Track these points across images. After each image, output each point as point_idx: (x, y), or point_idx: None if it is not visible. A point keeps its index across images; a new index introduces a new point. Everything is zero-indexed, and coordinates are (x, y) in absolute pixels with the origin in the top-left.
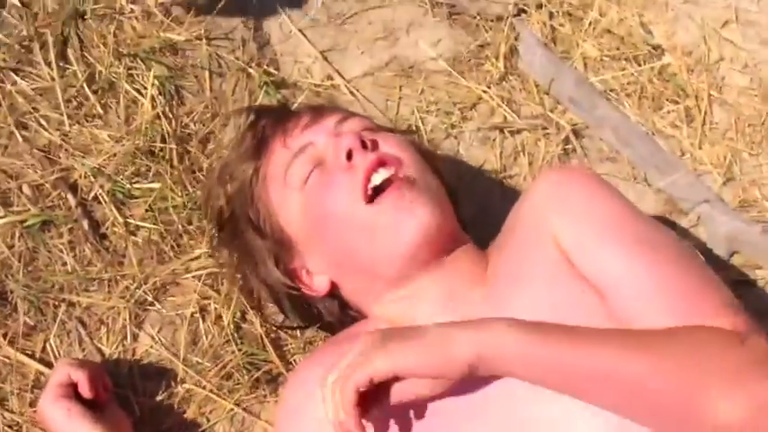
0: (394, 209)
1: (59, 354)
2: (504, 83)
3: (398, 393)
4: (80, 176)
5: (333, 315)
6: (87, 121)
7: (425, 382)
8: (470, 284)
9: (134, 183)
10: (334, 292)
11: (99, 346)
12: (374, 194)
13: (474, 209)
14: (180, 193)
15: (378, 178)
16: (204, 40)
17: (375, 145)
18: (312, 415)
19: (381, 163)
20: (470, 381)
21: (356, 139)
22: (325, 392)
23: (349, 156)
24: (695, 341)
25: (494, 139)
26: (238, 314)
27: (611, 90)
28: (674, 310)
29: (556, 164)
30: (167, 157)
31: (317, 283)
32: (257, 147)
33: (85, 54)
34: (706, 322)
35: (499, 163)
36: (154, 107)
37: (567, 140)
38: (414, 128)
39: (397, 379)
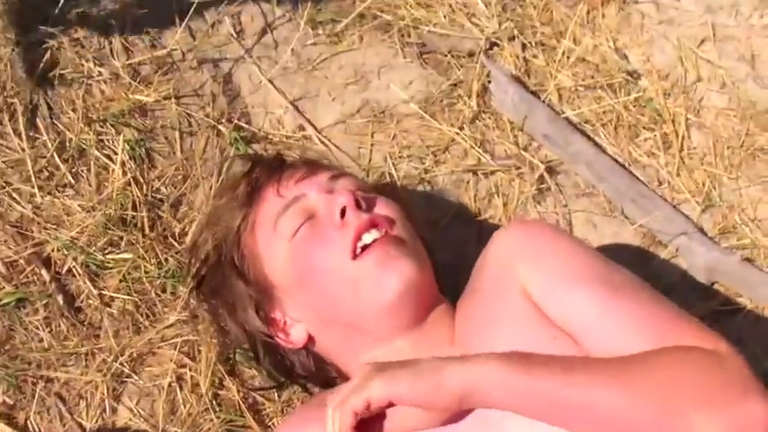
0: (378, 264)
1: (41, 431)
2: (477, 122)
3: (391, 423)
4: (53, 250)
5: (306, 369)
6: (59, 192)
7: (416, 415)
8: (447, 346)
9: (107, 254)
10: (309, 345)
11: (79, 420)
12: (362, 251)
13: (450, 255)
14: (152, 262)
15: (368, 238)
16: (173, 100)
17: (369, 205)
18: None
19: (373, 224)
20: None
21: (351, 197)
22: (327, 417)
23: (342, 213)
24: (674, 363)
25: (467, 182)
26: (216, 381)
27: (585, 121)
28: (651, 344)
29: (516, 218)
30: (139, 225)
31: (294, 335)
32: (250, 194)
33: (55, 122)
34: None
35: (474, 206)
36: (125, 173)
37: (541, 179)
38: (387, 175)
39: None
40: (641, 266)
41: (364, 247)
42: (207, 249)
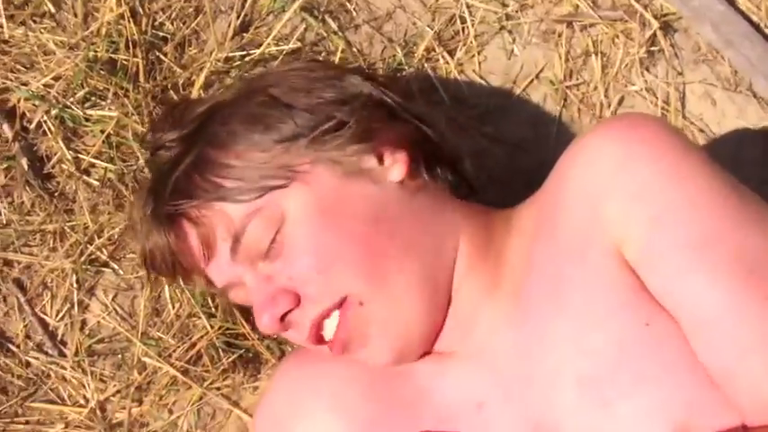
0: (355, 356)
1: None
2: None
3: None
4: (20, 100)
5: None
6: (34, 23)
7: None
8: (489, 290)
9: (88, 107)
10: None
11: (41, 315)
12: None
13: (526, 128)
14: (144, 120)
15: (328, 332)
16: None
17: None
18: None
19: (321, 320)
20: None
21: (272, 323)
22: None
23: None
24: None
25: (559, 35)
26: None
27: None
28: None
29: (614, 117)
30: (132, 70)
31: None
32: None
33: None
34: None
35: (563, 67)
36: (119, 2)
37: (653, 39)
38: (457, 19)
39: None
40: None
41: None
42: None
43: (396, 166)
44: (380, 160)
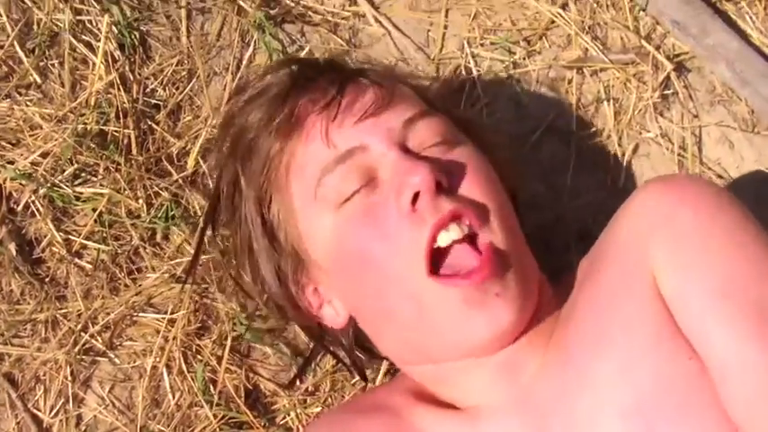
0: (467, 302)
1: None
2: None
3: None
4: (5, 180)
5: (338, 346)
6: (19, 95)
7: None
8: (534, 346)
9: (78, 185)
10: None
11: (35, 412)
12: (447, 276)
13: (538, 183)
14: (138, 195)
15: (445, 238)
16: None
17: (453, 184)
18: None
19: (456, 217)
20: None
21: (429, 178)
22: None
23: (414, 198)
24: None
25: (569, 82)
26: (214, 360)
27: None
28: None
29: (675, 174)
30: (123, 143)
31: (327, 314)
32: (290, 127)
33: None
34: None
35: (575, 115)
36: (109, 69)
37: (667, 81)
38: (462, 70)
39: None
40: None
41: (440, 251)
42: (229, 183)
43: None
44: None
